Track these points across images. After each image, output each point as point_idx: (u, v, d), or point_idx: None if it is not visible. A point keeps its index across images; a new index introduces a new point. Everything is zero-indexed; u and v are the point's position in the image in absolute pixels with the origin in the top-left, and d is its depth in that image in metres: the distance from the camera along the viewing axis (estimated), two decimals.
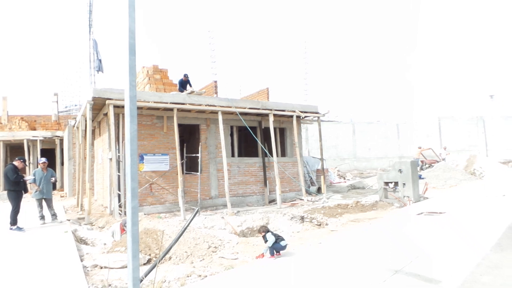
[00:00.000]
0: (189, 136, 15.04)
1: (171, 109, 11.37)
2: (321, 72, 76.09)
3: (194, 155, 11.71)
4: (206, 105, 11.75)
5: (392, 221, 7.93)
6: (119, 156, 11.16)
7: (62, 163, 18.75)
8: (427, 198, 11.55)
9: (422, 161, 20.76)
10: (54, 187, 11.42)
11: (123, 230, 8.15)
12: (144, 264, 5.89)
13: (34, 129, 20.04)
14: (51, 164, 16.76)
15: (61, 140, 18.54)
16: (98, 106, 10.88)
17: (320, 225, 10.39)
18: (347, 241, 6.20)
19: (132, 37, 2.27)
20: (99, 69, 11.48)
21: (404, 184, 10.97)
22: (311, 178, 17.29)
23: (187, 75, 14.57)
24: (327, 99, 64.42)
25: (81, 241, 8.69)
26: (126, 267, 5.65)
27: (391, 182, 11.35)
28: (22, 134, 18.87)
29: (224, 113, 12.67)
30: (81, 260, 5.76)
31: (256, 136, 13.95)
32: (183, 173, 12.21)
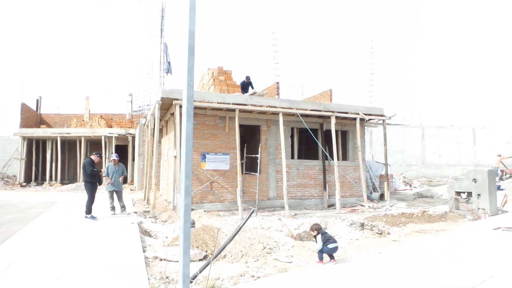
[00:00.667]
0: (250, 137, 15.27)
1: (233, 110, 11.63)
2: (388, 73, 72.54)
3: (253, 155, 11.85)
4: (267, 106, 11.82)
5: (463, 235, 7.26)
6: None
7: (133, 159, 20.16)
8: (506, 211, 10.40)
9: (502, 171, 18.76)
10: (125, 181, 12.29)
11: None
12: (200, 259, 6.07)
13: (111, 126, 21.84)
14: (124, 159, 18.13)
15: (133, 137, 19.96)
16: (166, 106, 11.51)
17: (381, 233, 9.88)
18: (410, 253, 5.80)
19: (191, 38, 2.33)
20: (168, 71, 12.15)
21: (479, 195, 10.00)
22: (374, 184, 16.56)
23: (249, 77, 14.79)
24: (394, 101, 61.17)
25: (145, 232, 9.24)
26: None
27: (464, 192, 10.42)
28: (100, 131, 20.68)
29: (285, 114, 12.65)
30: (144, 251, 6.12)
31: (316, 138, 13.71)
32: (242, 173, 12.41)
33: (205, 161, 12.02)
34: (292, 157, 13.50)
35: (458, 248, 6.04)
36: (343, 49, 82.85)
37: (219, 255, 6.29)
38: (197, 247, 6.37)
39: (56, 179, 20.89)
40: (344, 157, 14.51)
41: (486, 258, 5.29)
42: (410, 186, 20.36)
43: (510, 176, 18.46)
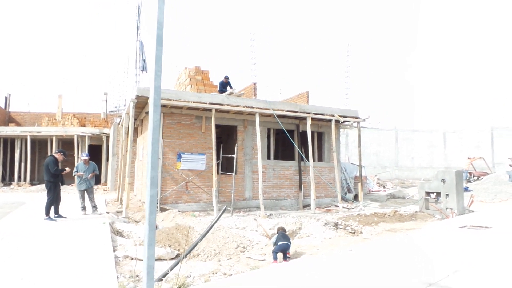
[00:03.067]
0: (227, 137, 15.23)
1: (210, 110, 11.58)
2: (364, 77, 74.05)
3: (230, 155, 11.83)
4: (244, 107, 11.84)
5: (431, 233, 7.50)
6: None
7: (107, 159, 19.71)
8: (472, 211, 10.82)
9: (470, 173, 19.51)
10: (97, 181, 11.97)
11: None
12: (172, 258, 6.00)
13: (84, 126, 21.28)
14: (98, 159, 17.69)
15: (108, 137, 19.52)
16: (141, 104, 11.32)
17: (354, 233, 10.06)
18: (380, 250, 5.94)
19: (160, 28, 2.31)
20: (144, 69, 11.97)
21: (447, 195, 10.35)
22: (349, 185, 16.86)
23: (227, 76, 14.79)
24: (368, 104, 62.51)
25: (117, 233, 9.03)
26: (156, 259, 5.79)
27: (433, 193, 10.76)
28: (73, 130, 20.10)
29: (261, 115, 12.69)
30: (114, 251, 5.98)
31: (293, 139, 13.83)
32: (218, 173, 12.37)
33: (180, 161, 11.90)
34: (269, 158, 13.56)
35: (426, 245, 6.22)
36: (321, 52, 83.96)
37: (191, 254, 6.24)
38: (169, 246, 6.30)
39: (25, 180, 20.12)
40: (320, 158, 14.70)
41: (451, 255, 5.48)
42: (384, 187, 20.84)
43: (477, 178, 19.22)
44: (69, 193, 16.18)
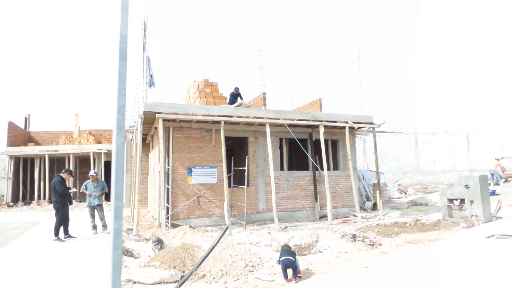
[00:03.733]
0: (239, 149, 15.00)
1: (219, 122, 11.39)
2: (377, 81, 72.71)
3: (241, 168, 11.55)
4: (253, 117, 11.59)
5: (455, 244, 6.96)
6: (168, 168, 11.39)
7: None
8: (500, 217, 10.13)
9: (499, 175, 18.49)
10: (107, 198, 11.91)
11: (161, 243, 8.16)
12: (175, 281, 5.73)
13: (100, 142, 21.49)
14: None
15: None
16: (150, 120, 11.24)
17: (373, 245, 9.57)
18: (398, 267, 5.49)
19: (123, 41, 2.09)
20: (151, 84, 11.93)
21: (471, 201, 9.73)
22: (368, 193, 16.27)
23: (237, 88, 14.60)
24: (384, 109, 61.08)
25: (127, 252, 8.86)
26: (158, 283, 5.54)
27: (456, 199, 10.15)
28: (89, 148, 20.33)
29: (272, 125, 12.41)
30: None
31: (306, 148, 13.46)
32: (230, 186, 12.11)
33: (191, 175, 11.71)
34: (282, 169, 13.21)
35: (449, 259, 5.73)
36: (333, 58, 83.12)
37: (196, 275, 5.95)
38: (174, 267, 6.03)
39: (44, 198, 20.43)
40: (335, 167, 14.24)
41: (478, 270, 4.99)
42: (405, 194, 20.07)
43: (505, 181, 18.23)
44: (84, 211, 16.25)
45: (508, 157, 19.71)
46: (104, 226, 9.67)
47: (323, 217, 12.96)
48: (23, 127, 24.73)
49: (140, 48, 13.72)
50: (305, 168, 13.99)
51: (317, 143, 13.10)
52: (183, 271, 6.04)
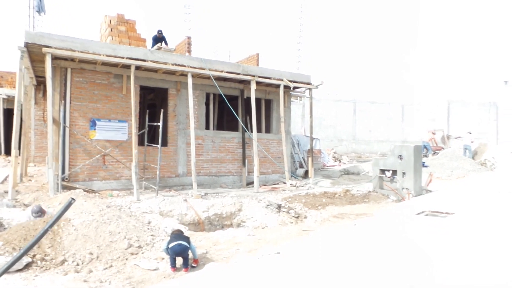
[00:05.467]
0: (161, 102, 13.08)
1: (136, 68, 9.46)
2: (319, 43, 71.32)
3: (156, 124, 9.79)
4: (173, 64, 9.72)
5: (383, 222, 6.08)
6: (64, 119, 9.29)
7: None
8: (430, 191, 9.67)
9: (426, 147, 18.71)
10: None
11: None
12: (19, 270, 4.10)
13: (1, 86, 18.11)
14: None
15: None
16: (38, 56, 8.86)
17: (298, 217, 8.59)
18: (317, 252, 4.36)
19: None
20: (40, 9, 9.38)
21: (404, 173, 9.07)
22: (303, 159, 15.41)
23: (161, 31, 12.47)
24: (325, 73, 60.35)
25: None
26: None
27: (388, 170, 9.44)
28: None
29: (196, 76, 10.67)
30: None
31: (236, 106, 12.00)
32: (143, 145, 10.38)
33: (95, 129, 9.74)
34: (207, 128, 11.67)
35: (376, 241, 4.73)
36: (272, 9, 78.78)
37: (53, 261, 4.35)
38: (20, 249, 4.35)
39: None
40: (268, 130, 13.01)
41: (406, 257, 3.99)
42: (340, 162, 19.73)
43: (433, 153, 18.51)
44: None
45: (439, 130, 20.05)
46: None
47: (250, 183, 11.81)
48: None
49: None
50: (237, 129, 12.58)
51: (249, 101, 11.65)
52: (34, 256, 4.39)
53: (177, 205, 9.01)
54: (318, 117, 25.48)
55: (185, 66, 9.89)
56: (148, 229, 5.78)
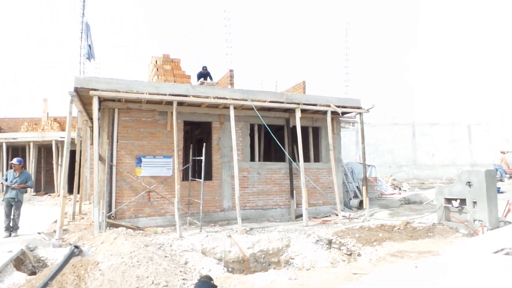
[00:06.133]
0: (207, 136, 13.09)
1: (177, 104, 9.57)
2: (369, 65, 68.16)
3: (199, 158, 9.64)
4: (214, 98, 9.65)
5: (452, 262, 5.09)
6: (112, 158, 9.53)
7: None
8: (509, 222, 8.25)
9: (504, 170, 16.56)
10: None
11: None
12: None
13: (64, 130, 19.58)
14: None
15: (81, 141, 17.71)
16: (87, 99, 9.29)
17: (350, 254, 7.74)
18: None
19: None
20: (89, 56, 10.00)
21: (474, 202, 7.85)
22: (358, 188, 14.38)
23: (205, 67, 12.67)
24: (377, 96, 57.29)
25: (38, 262, 7.04)
26: None
27: (456, 200, 8.26)
28: (51, 135, 18.45)
29: (239, 108, 10.54)
30: None
31: (283, 136, 11.59)
32: (188, 179, 10.28)
33: (140, 166, 9.85)
34: (253, 160, 11.32)
35: None
36: (318, 32, 77.11)
37: None
38: None
39: (2, 189, 18.64)
40: (317, 159, 12.34)
41: None
42: (399, 189, 18.20)
43: (510, 177, 16.34)
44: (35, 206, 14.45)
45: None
46: (14, 229, 7.83)
47: (300, 216, 11.11)
48: None
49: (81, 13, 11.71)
50: (284, 159, 12.09)
51: (295, 130, 11.15)
52: None
53: (220, 241, 8.63)
54: (374, 143, 24.14)
55: (227, 98, 9.78)
56: (181, 271, 5.39)
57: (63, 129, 19.38)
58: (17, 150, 20.52)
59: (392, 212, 11.29)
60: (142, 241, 7.37)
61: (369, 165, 15.66)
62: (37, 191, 19.43)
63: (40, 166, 20.02)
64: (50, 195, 17.95)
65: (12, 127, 22.64)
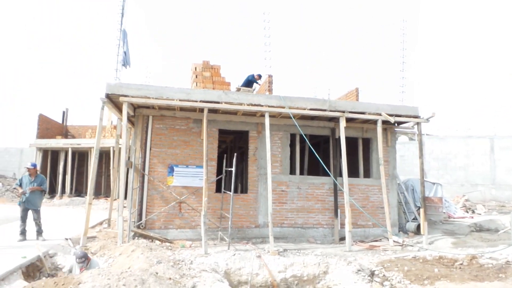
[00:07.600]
0: (246, 146, 12.44)
1: (212, 111, 9.14)
2: (434, 69, 61.68)
3: (230, 169, 8.99)
4: (248, 105, 8.98)
5: None
6: (144, 166, 9.31)
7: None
8: None
9: None
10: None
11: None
12: None
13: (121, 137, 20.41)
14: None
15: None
16: (119, 105, 9.20)
17: None
18: None
19: None
20: (125, 62, 9.99)
21: None
22: (419, 209, 12.60)
23: (260, 75, 11.89)
24: (445, 104, 51.66)
25: (55, 269, 6.88)
26: None
27: None
28: (110, 142, 19.17)
29: (278, 116, 9.75)
30: None
31: (328, 147, 10.49)
32: (220, 191, 9.68)
33: (172, 175, 9.49)
34: (293, 173, 10.39)
35: None
36: (369, 33, 72.05)
37: None
38: None
39: (65, 192, 19.88)
40: (367, 174, 11.01)
41: None
42: (473, 212, 15.76)
43: None
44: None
45: None
46: (39, 233, 7.84)
47: (344, 238, 9.87)
48: (60, 121, 24.76)
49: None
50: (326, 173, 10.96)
51: (347, 141, 10.00)
52: None
53: (248, 261, 7.83)
54: (443, 157, 21.55)
55: (262, 105, 9.04)
56: None
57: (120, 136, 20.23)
58: (82, 155, 21.87)
59: (457, 241, 9.52)
60: (156, 256, 6.87)
61: (433, 183, 13.71)
62: (98, 194, 20.45)
63: (101, 171, 21.04)
64: (106, 198, 18.68)
65: (82, 133, 24.31)
